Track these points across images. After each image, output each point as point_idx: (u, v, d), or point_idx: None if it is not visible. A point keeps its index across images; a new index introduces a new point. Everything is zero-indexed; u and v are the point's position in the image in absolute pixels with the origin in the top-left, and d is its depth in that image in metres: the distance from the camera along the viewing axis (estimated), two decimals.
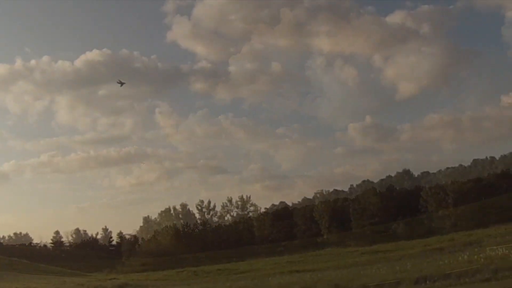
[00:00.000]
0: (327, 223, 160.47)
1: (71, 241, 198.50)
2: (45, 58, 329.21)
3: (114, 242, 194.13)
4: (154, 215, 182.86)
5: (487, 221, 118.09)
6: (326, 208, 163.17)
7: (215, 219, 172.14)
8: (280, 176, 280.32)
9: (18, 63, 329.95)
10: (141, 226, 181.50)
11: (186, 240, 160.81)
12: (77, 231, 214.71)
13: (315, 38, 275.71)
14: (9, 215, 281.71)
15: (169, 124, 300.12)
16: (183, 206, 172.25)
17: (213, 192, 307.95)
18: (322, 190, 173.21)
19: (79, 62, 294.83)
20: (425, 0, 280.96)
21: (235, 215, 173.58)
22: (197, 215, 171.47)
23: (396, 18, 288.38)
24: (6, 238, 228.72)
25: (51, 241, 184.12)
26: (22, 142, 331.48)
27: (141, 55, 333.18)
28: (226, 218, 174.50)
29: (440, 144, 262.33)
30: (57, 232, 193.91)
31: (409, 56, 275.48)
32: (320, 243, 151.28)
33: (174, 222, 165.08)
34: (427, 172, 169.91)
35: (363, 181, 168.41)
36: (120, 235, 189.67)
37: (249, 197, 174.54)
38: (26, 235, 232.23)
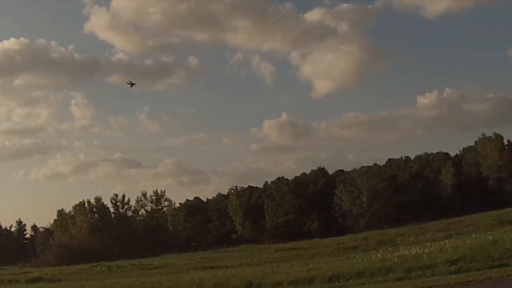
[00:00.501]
0: (241, 219, 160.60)
1: None
2: None
3: (28, 235, 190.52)
4: (68, 208, 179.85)
5: (401, 220, 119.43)
6: (241, 204, 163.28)
7: (129, 213, 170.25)
8: (195, 172, 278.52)
9: None
10: (55, 219, 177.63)
11: (100, 234, 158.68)
12: None
13: (233, 33, 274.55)
14: None
15: (85, 116, 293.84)
16: (98, 199, 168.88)
17: (128, 186, 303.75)
18: (236, 186, 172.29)
19: None
20: None
21: (149, 209, 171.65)
22: (112, 209, 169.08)
23: (314, 15, 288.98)
24: None
25: None
26: None
27: (58, 45, 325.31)
28: (140, 213, 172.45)
29: (355, 142, 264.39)
30: None
31: (327, 54, 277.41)
32: (234, 239, 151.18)
33: (89, 215, 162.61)
34: (342, 171, 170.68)
35: (278, 178, 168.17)
36: (34, 228, 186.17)
37: (164, 192, 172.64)
38: None
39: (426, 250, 38.54)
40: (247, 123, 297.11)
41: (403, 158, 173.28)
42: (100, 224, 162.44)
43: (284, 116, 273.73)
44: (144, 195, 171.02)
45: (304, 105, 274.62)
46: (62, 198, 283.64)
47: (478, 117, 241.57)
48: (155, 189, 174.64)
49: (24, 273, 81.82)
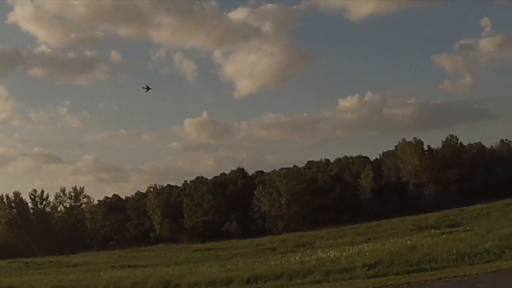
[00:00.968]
0: (160, 218, 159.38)
1: None
2: None
3: None
4: None
5: (320, 223, 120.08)
6: (159, 203, 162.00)
7: (48, 209, 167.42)
8: (115, 168, 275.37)
9: None
10: None
11: (19, 230, 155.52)
12: None
13: (157, 29, 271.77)
14: None
15: (5, 108, 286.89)
16: (16, 194, 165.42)
17: (47, 181, 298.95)
18: (156, 185, 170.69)
19: None
20: None
21: (68, 206, 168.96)
22: (30, 205, 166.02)
23: (239, 14, 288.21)
24: None
25: None
26: None
27: None
28: (59, 209, 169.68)
29: (275, 143, 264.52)
30: None
31: (250, 54, 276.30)
32: (153, 238, 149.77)
33: (7, 210, 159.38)
34: (262, 172, 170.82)
35: (197, 177, 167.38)
36: None
37: (83, 188, 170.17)
38: None
39: (344, 253, 38.50)
40: (168, 121, 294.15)
41: (323, 160, 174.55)
42: (18, 219, 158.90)
43: (205, 115, 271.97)
44: (63, 191, 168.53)
45: (226, 104, 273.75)
46: None
47: (398, 122, 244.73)
48: (74, 185, 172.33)
49: None
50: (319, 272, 32.84)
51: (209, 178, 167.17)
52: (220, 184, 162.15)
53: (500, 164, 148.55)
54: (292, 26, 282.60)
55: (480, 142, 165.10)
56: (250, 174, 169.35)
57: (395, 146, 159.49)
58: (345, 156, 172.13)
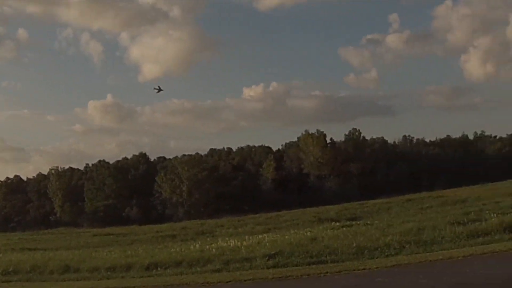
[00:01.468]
0: (61, 201, 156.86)
1: None
2: None
3: None
4: None
5: (221, 212, 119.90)
6: (61, 185, 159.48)
7: None
8: (17, 149, 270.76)
9: None
10: None
11: None
12: None
13: (65, 8, 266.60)
14: None
15: None
16: None
17: None
18: (57, 167, 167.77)
19: None
20: None
21: None
22: None
23: None
24: None
25: None
26: None
27: None
28: None
29: (178, 130, 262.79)
30: None
31: (157, 38, 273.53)
32: (53, 221, 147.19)
33: None
34: (164, 158, 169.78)
35: (99, 161, 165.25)
36: None
37: None
38: None
39: (244, 243, 38.38)
40: (72, 102, 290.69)
41: (226, 149, 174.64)
42: None
43: (109, 97, 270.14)
44: None
45: (130, 88, 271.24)
46: None
47: (302, 113, 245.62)
48: None
49: None
50: (219, 261, 32.63)
51: (111, 162, 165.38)
52: (122, 168, 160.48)
53: (402, 160, 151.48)
54: (200, 12, 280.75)
55: (383, 137, 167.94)
56: (152, 160, 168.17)
57: (298, 138, 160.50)
58: (248, 146, 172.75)
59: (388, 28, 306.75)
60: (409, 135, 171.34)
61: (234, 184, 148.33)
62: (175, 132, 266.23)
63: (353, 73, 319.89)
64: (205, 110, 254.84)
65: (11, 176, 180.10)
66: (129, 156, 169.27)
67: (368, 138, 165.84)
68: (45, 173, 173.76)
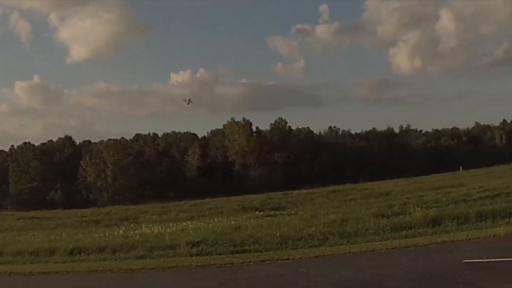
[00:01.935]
0: None
1: None
2: None
3: None
4: None
5: (145, 197, 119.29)
6: None
7: None
8: None
9: None
10: None
11: None
12: None
13: None
14: None
15: None
16: None
17: None
18: None
19: None
20: None
21: None
22: None
23: None
24: None
25: None
26: None
27: None
28: None
29: (105, 114, 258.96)
30: None
31: (86, 19, 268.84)
32: None
33: None
34: (89, 141, 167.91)
35: (24, 143, 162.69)
36: None
37: None
38: None
39: (168, 230, 38.52)
40: None
41: (151, 134, 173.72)
42: None
43: (36, 79, 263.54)
44: None
45: (58, 69, 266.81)
46: None
47: (229, 101, 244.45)
48: None
49: None
50: (143, 248, 32.70)
51: (36, 144, 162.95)
52: (47, 151, 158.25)
53: (327, 151, 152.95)
54: None
55: (308, 128, 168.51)
56: (77, 143, 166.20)
57: (224, 125, 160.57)
58: (173, 132, 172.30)
59: (318, 18, 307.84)
60: (335, 126, 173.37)
61: (159, 170, 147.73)
62: (101, 116, 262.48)
63: (281, 63, 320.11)
64: (132, 94, 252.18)
65: None
66: (54, 139, 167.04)
67: (294, 128, 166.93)
68: None
